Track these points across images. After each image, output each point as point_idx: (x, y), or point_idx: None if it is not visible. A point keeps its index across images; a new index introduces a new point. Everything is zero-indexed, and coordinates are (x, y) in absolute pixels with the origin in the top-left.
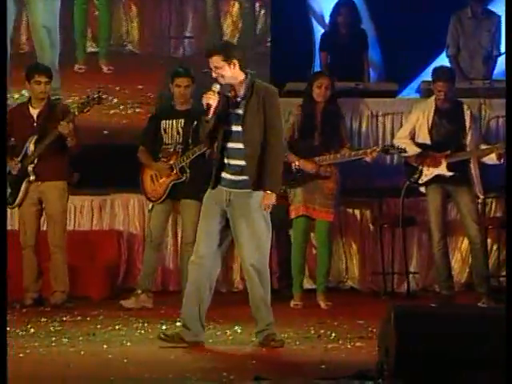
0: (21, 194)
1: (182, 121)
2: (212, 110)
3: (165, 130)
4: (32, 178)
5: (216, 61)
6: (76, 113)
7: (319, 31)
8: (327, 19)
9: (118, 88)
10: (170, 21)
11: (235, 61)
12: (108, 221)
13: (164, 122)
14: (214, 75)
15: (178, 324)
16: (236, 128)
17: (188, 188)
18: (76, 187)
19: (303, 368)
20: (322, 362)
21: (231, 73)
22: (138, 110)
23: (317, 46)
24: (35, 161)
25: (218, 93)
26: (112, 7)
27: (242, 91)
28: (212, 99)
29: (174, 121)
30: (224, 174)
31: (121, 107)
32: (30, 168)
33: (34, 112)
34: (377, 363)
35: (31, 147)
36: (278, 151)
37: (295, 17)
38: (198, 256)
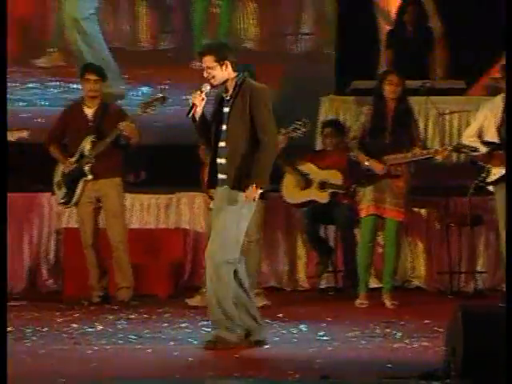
0: (78, 194)
1: None
2: (195, 109)
3: None
4: (90, 177)
5: (208, 61)
6: (139, 112)
7: (385, 29)
8: (393, 17)
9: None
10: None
11: (227, 62)
12: (174, 219)
13: None
14: (205, 75)
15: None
16: (224, 127)
17: None
18: (142, 186)
19: (369, 367)
20: (388, 361)
21: (222, 73)
22: None
23: (383, 44)
24: (92, 160)
25: (206, 94)
26: (232, 4)
27: (231, 91)
28: (197, 99)
29: None
30: (218, 174)
31: None
32: (86, 167)
33: (89, 112)
34: (444, 363)
35: (87, 147)
36: (269, 149)
37: (361, 15)
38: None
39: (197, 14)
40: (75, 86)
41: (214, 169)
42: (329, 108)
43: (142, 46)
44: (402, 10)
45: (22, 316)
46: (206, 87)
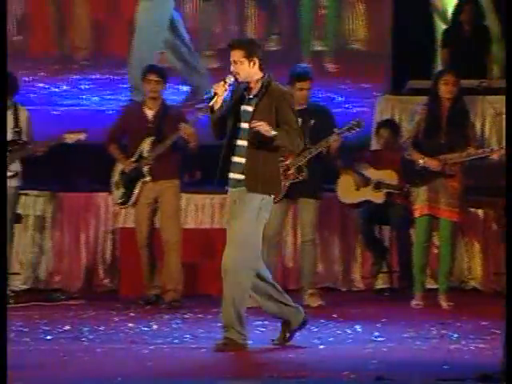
0: (136, 195)
1: (300, 120)
2: (216, 99)
3: None
4: (148, 178)
5: (237, 55)
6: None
7: (441, 28)
8: (449, 16)
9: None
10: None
11: (256, 59)
12: None
13: None
14: (232, 69)
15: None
16: (244, 125)
17: (306, 187)
18: (197, 186)
19: (424, 369)
20: (444, 362)
21: (249, 70)
22: None
23: (439, 43)
24: (151, 161)
25: (229, 85)
26: (340, 5)
27: (255, 90)
28: (220, 89)
29: None
30: (230, 174)
31: None
32: (145, 169)
33: (150, 113)
34: (501, 365)
35: (147, 148)
36: (297, 139)
37: (417, 14)
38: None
39: (304, 14)
40: None
41: (225, 167)
42: (384, 108)
43: None
44: (458, 9)
45: (80, 315)
46: (231, 79)
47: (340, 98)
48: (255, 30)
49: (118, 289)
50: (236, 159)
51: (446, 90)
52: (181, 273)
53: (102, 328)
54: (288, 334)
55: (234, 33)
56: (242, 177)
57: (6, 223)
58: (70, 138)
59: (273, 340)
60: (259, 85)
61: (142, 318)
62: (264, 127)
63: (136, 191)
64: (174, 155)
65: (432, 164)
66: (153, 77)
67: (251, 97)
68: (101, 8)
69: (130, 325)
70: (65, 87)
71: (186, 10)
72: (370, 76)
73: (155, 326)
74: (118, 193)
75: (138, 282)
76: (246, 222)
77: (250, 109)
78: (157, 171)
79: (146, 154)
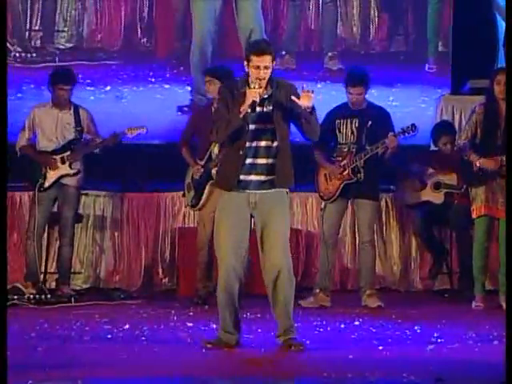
0: (204, 197)
1: (357, 120)
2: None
3: (339, 129)
4: None
5: (267, 60)
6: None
7: (503, 26)
8: None
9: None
10: None
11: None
12: None
13: (338, 121)
14: (261, 75)
15: (357, 323)
16: (268, 126)
17: (363, 187)
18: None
19: (485, 371)
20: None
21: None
22: None
23: (501, 42)
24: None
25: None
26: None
27: (268, 89)
28: (256, 97)
29: (349, 120)
30: (247, 176)
31: None
32: (213, 171)
33: None
34: None
35: (215, 151)
36: (316, 134)
37: (479, 11)
38: (230, 269)
39: (430, 16)
40: None
41: (240, 170)
42: (445, 107)
43: (373, 49)
44: None
45: (139, 314)
46: (260, 84)
47: None
48: (379, 31)
49: (177, 288)
50: (258, 161)
51: (499, 89)
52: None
53: (161, 327)
54: None
55: (355, 34)
56: (266, 178)
57: (6, 223)
58: (131, 133)
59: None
60: (270, 84)
61: (200, 318)
62: (309, 97)
63: (205, 193)
64: None
65: (489, 164)
66: (208, 78)
67: (265, 97)
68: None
69: (189, 324)
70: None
71: (308, 11)
72: None
73: (214, 326)
74: (190, 195)
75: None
76: (287, 221)
77: (267, 109)
78: None
79: (214, 157)
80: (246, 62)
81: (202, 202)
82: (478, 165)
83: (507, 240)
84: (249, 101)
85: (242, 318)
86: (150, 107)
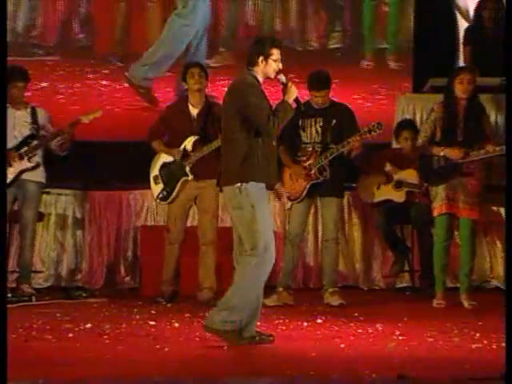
0: (176, 192)
1: (321, 119)
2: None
3: (303, 128)
4: (191, 177)
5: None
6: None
7: (463, 26)
8: (472, 13)
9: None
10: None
11: None
12: None
13: (302, 120)
14: (280, 67)
15: (319, 321)
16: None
17: (328, 186)
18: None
19: (446, 367)
20: (466, 361)
21: None
22: None
23: (461, 41)
24: (195, 161)
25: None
26: (401, 2)
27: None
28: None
29: (313, 119)
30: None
31: None
32: (188, 168)
33: (194, 111)
34: None
35: (189, 147)
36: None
37: (439, 11)
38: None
39: (366, 12)
40: None
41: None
42: (405, 106)
43: (311, 45)
44: (480, 6)
45: (101, 313)
46: (282, 77)
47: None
48: (316, 28)
49: (140, 286)
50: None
51: (460, 88)
52: (214, 271)
53: (123, 326)
54: None
55: (294, 31)
56: None
57: (6, 222)
58: (87, 118)
59: None
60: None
61: (163, 316)
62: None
63: (177, 189)
64: (216, 155)
65: (453, 153)
66: (195, 70)
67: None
68: None
69: (152, 322)
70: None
71: (246, 8)
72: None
73: (176, 324)
74: (158, 188)
75: (160, 280)
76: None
77: None
78: (199, 170)
79: (189, 153)
80: (260, 57)
81: (173, 196)
82: (441, 154)
83: (507, 240)
84: (294, 94)
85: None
86: (87, 104)
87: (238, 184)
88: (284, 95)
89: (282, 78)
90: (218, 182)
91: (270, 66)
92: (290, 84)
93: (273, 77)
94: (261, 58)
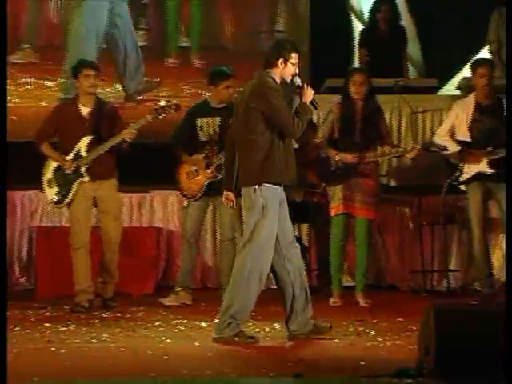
0: (72, 194)
1: (218, 119)
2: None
3: (201, 127)
4: (87, 178)
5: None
6: (149, 119)
7: (358, 27)
8: (366, 15)
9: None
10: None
11: None
12: (147, 218)
13: (199, 119)
14: (296, 71)
15: (216, 321)
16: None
17: None
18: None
19: (342, 365)
20: (361, 359)
21: None
22: None
23: (356, 42)
24: (90, 162)
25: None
26: (204, 3)
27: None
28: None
29: (211, 119)
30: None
31: None
32: (83, 169)
33: (85, 110)
34: (416, 362)
35: (84, 148)
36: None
37: (334, 13)
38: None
39: (170, 12)
40: (49, 83)
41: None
42: None
43: None
44: (375, 9)
45: None
46: (298, 80)
47: None
48: None
49: (35, 288)
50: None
51: (354, 90)
52: (117, 272)
53: (17, 328)
54: None
55: None
56: None
57: (6, 223)
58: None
59: None
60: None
61: (58, 318)
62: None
63: (73, 191)
64: (111, 154)
65: (347, 158)
66: (90, 71)
67: None
68: None
69: (47, 324)
70: None
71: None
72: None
73: (72, 326)
74: (52, 191)
75: (55, 282)
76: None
77: None
78: (95, 171)
79: (83, 154)
80: (280, 60)
81: (68, 198)
82: (336, 159)
83: (507, 240)
84: (311, 96)
85: (103, 318)
86: None
87: (256, 186)
88: (301, 98)
89: (298, 80)
90: (235, 184)
91: (288, 69)
92: (306, 86)
93: (289, 80)
94: (280, 61)
